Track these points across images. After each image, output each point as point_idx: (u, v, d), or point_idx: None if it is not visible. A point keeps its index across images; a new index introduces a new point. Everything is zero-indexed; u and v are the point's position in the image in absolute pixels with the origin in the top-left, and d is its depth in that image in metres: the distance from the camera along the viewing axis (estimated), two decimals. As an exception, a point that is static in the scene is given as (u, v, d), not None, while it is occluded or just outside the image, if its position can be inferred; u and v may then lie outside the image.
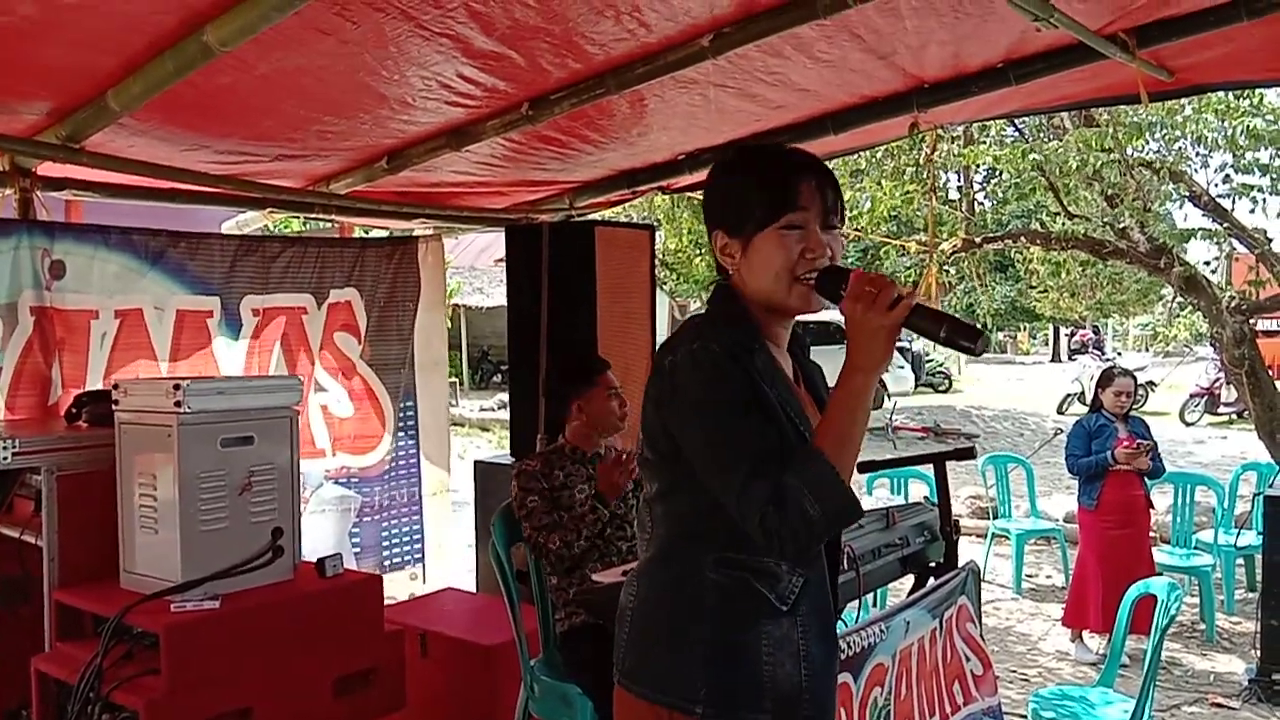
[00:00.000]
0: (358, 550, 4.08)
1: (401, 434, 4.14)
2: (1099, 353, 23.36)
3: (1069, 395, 17.24)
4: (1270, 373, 8.06)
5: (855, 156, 9.81)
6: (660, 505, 1.67)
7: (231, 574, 2.46)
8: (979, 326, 1.56)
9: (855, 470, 1.62)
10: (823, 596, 1.65)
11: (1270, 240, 7.41)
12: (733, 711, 1.57)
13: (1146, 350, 26.95)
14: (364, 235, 5.84)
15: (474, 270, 20.18)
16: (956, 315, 1.59)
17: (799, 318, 1.73)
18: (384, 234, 5.17)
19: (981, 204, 10.80)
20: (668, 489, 1.66)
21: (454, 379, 20.50)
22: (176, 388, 2.38)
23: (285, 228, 9.09)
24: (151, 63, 2.36)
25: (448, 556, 4.36)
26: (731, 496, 1.51)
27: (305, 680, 2.49)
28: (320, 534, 3.83)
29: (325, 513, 3.98)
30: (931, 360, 22.36)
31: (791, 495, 1.46)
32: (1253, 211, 7.13)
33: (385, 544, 4.12)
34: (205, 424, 2.42)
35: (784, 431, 1.56)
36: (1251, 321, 7.32)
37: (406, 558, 4.19)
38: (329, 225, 5.82)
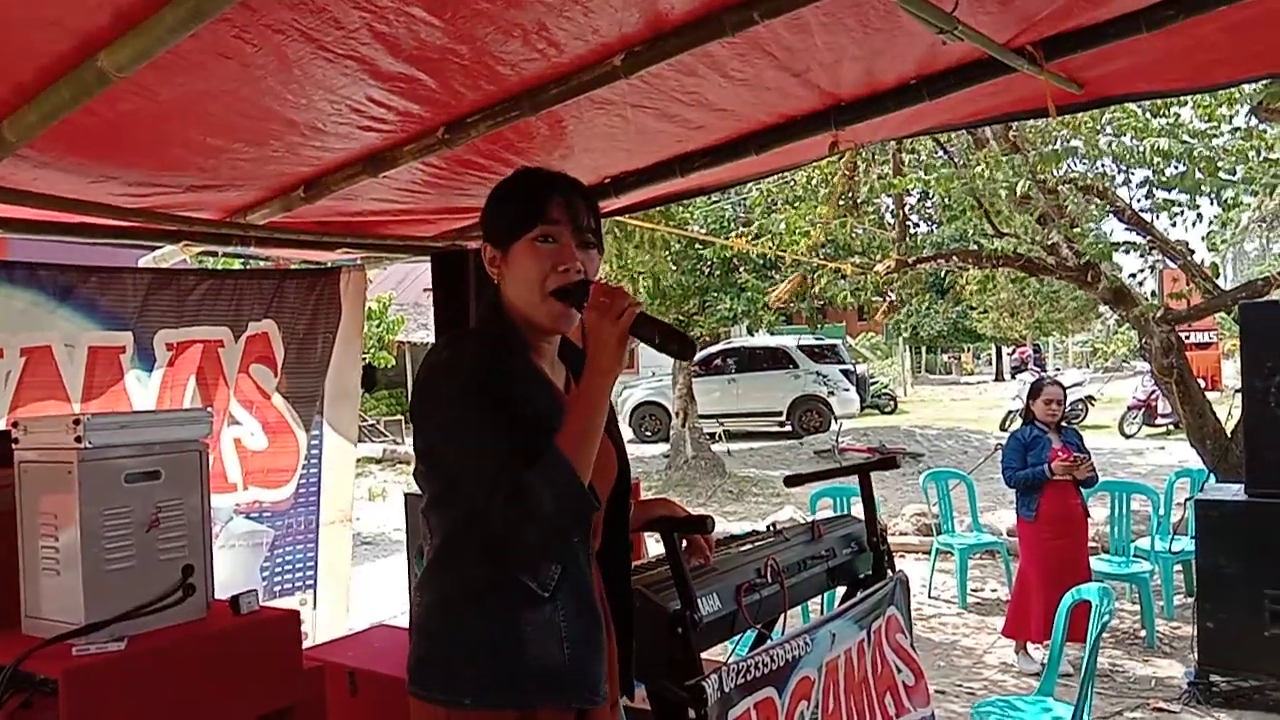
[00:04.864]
0: (267, 585, 3.97)
1: (307, 463, 4.06)
2: (1040, 370, 23.79)
3: (1011, 412, 17.50)
4: (1203, 383, 8.26)
5: (790, 183, 9.95)
6: (434, 513, 1.78)
7: (139, 614, 2.36)
8: (690, 338, 1.74)
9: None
10: (582, 579, 1.76)
11: (1192, 252, 7.62)
12: (499, 696, 1.67)
13: (1087, 366, 27.53)
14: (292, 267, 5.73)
15: (418, 306, 20.01)
16: (673, 326, 1.74)
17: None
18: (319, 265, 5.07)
19: (916, 226, 11.00)
20: (438, 496, 1.75)
21: (399, 416, 20.26)
22: (76, 423, 2.28)
23: (229, 266, 8.88)
24: (46, 90, 2.29)
25: (340, 584, 4.29)
26: (480, 494, 1.61)
27: (219, 723, 2.39)
28: (230, 569, 3.69)
29: (235, 548, 3.85)
30: (877, 383, 22.62)
31: (530, 491, 1.58)
32: (1174, 225, 7.34)
33: (277, 570, 4.02)
34: (107, 460, 2.32)
35: (530, 428, 1.65)
36: (1180, 332, 7.50)
37: (297, 583, 4.09)
38: (268, 261, 5.70)
